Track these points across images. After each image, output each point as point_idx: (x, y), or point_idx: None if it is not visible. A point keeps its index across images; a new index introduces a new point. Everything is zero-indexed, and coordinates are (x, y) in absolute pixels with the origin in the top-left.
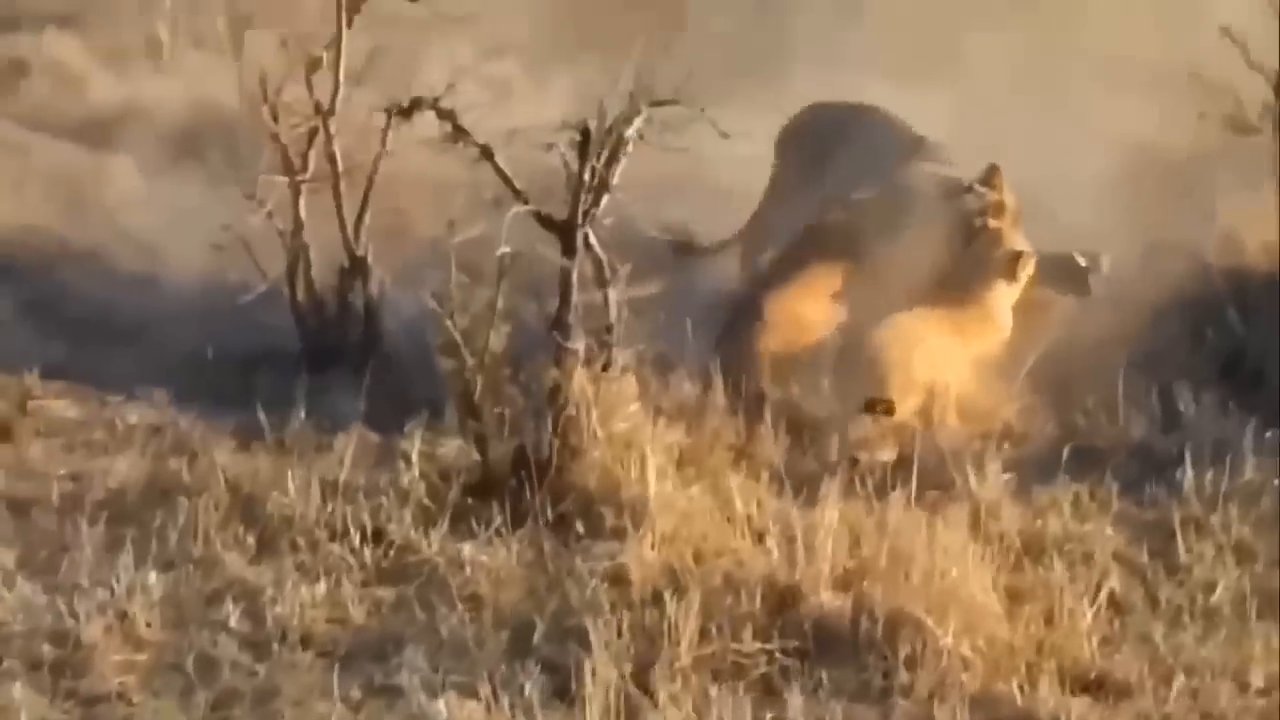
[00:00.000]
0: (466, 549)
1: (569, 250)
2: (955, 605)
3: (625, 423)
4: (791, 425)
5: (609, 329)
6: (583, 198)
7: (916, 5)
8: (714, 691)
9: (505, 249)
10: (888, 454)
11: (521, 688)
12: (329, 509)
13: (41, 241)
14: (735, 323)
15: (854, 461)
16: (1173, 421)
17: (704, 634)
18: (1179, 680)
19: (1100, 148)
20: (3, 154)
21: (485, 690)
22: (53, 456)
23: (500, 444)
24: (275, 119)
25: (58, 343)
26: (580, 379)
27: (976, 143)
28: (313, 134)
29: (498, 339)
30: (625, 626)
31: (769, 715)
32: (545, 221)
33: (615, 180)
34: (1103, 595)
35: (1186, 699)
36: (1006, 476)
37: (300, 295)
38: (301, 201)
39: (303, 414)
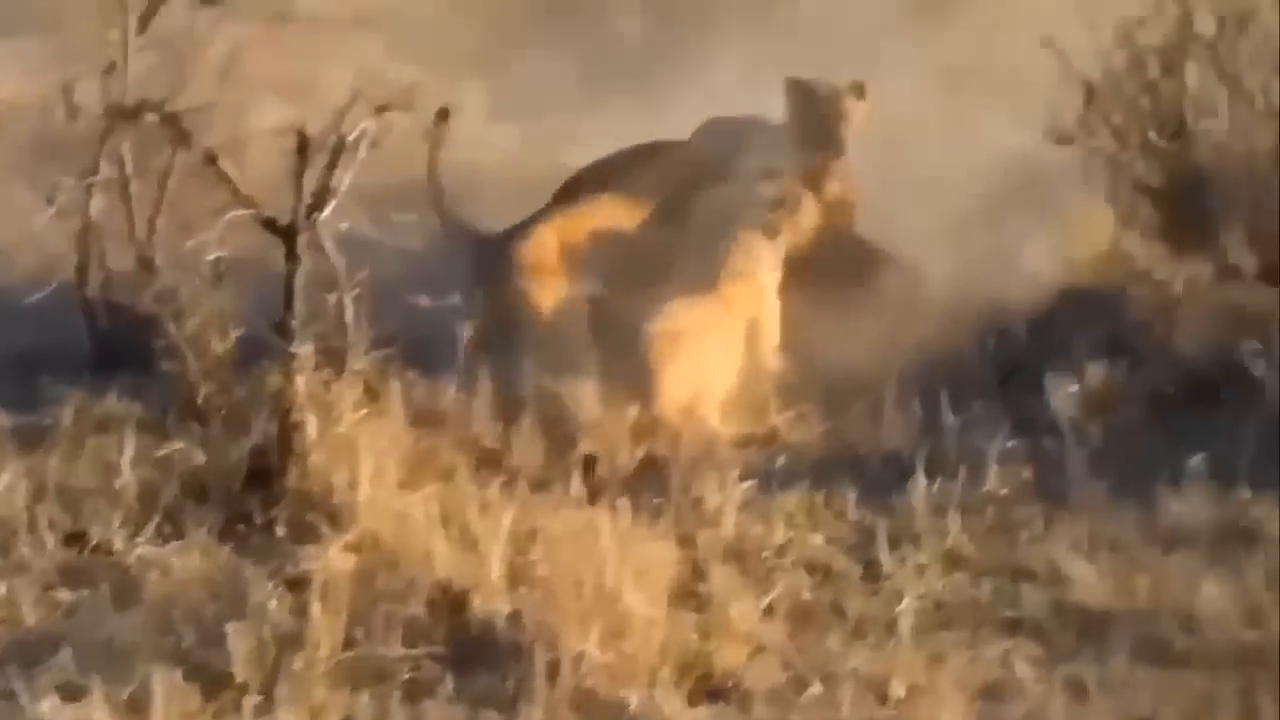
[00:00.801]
0: (161, 552)
1: (291, 255)
2: (610, 614)
3: (347, 428)
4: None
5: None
6: (302, 202)
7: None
8: (342, 697)
9: (220, 253)
10: (632, 456)
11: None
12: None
13: None
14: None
15: (589, 464)
16: (933, 431)
17: (349, 640)
18: (814, 689)
19: (956, 152)
20: None
21: (126, 693)
22: None
23: (227, 448)
24: (75, 118)
25: None
26: (303, 383)
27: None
28: (105, 134)
29: (221, 343)
30: (268, 632)
31: None
32: (269, 226)
33: (343, 185)
34: (772, 603)
35: (816, 708)
36: (746, 484)
37: (92, 294)
38: (92, 202)
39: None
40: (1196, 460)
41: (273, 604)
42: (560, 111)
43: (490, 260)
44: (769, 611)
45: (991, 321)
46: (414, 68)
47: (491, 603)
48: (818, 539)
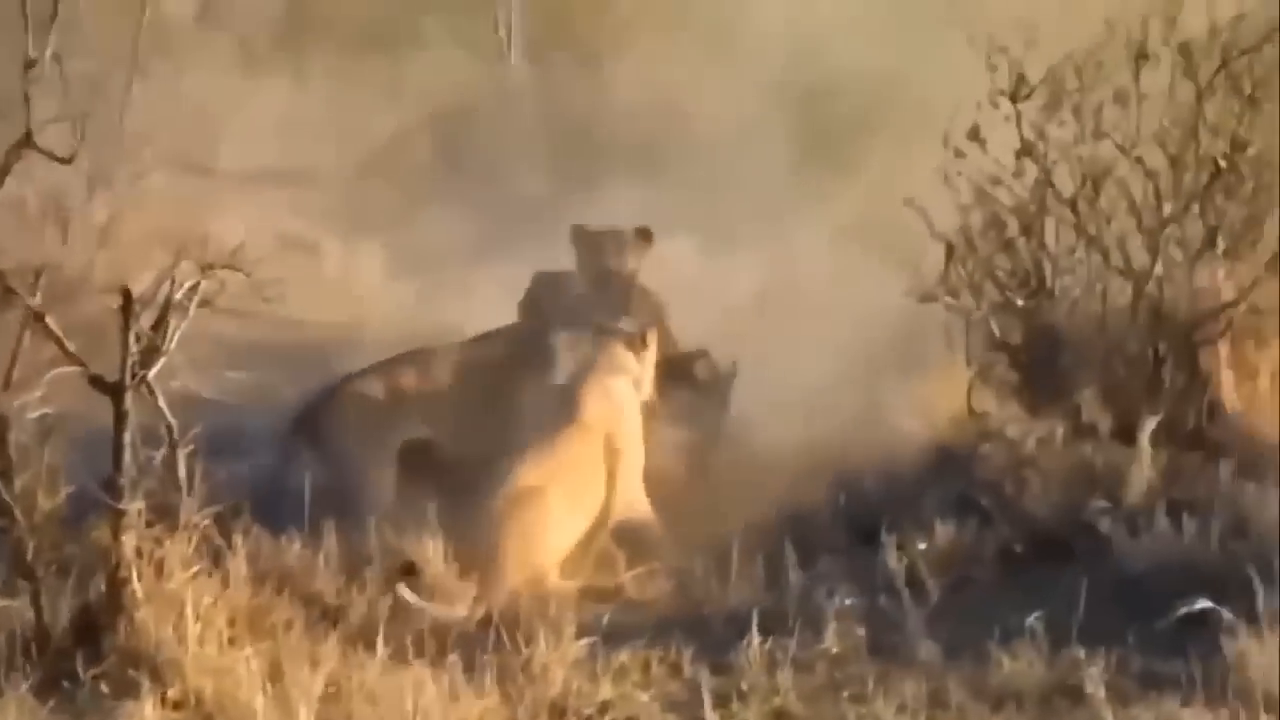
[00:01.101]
0: None
1: (119, 413)
2: None
3: (177, 585)
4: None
5: (180, 490)
6: (129, 360)
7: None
8: None
9: (46, 409)
10: (461, 611)
11: None
12: None
13: None
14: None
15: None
16: (777, 587)
17: None
18: None
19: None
20: None
21: None
22: None
23: (58, 604)
24: None
25: None
26: (131, 540)
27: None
28: None
29: (48, 500)
30: None
31: None
32: (96, 383)
33: (171, 344)
34: None
35: None
36: (584, 641)
37: None
38: None
39: None
40: (1032, 619)
41: None
42: (455, 267)
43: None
44: None
45: (846, 477)
46: (313, 223)
47: None
48: (643, 697)
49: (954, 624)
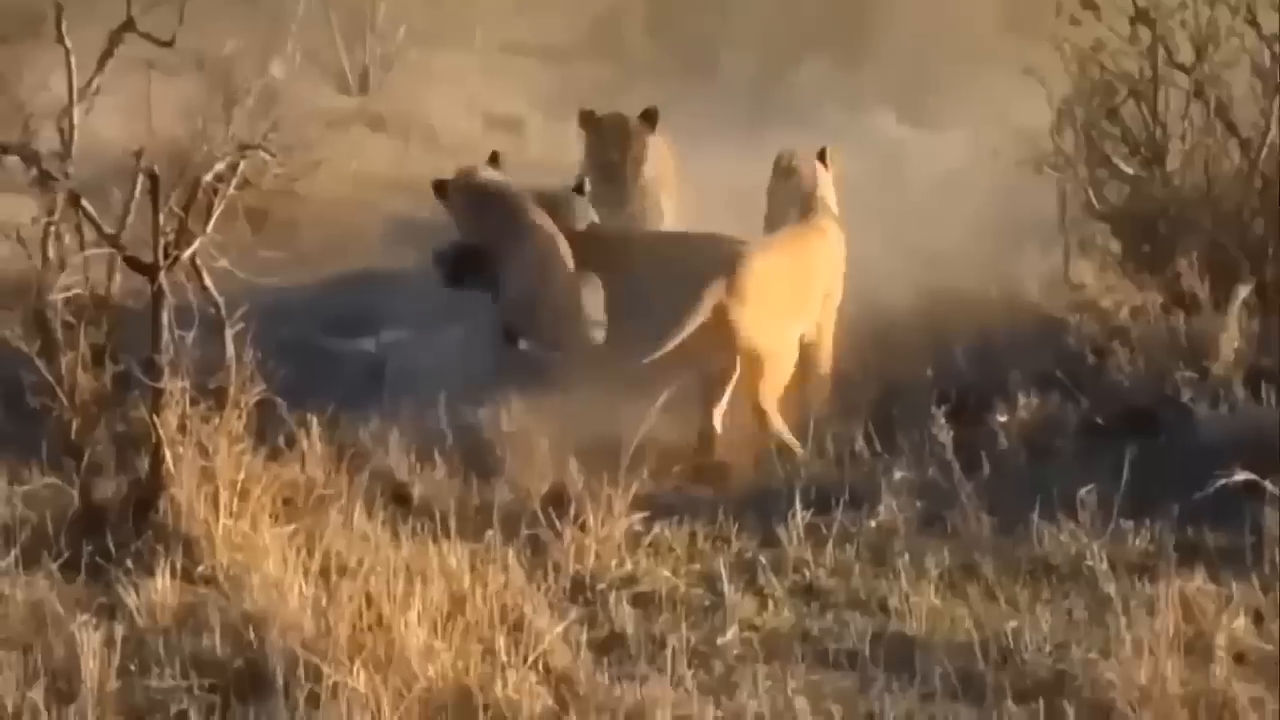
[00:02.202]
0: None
1: (156, 292)
2: (385, 648)
3: (218, 462)
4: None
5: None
6: (159, 241)
7: None
8: None
9: (75, 290)
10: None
11: None
12: None
13: None
14: None
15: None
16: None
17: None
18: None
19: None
20: None
21: None
22: None
23: (103, 483)
24: None
25: None
26: (172, 419)
27: None
28: None
29: (90, 380)
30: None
31: None
32: (132, 264)
33: (210, 224)
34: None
35: None
36: (637, 515)
37: None
38: None
39: None
40: (1084, 492)
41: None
42: None
43: None
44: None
45: (939, 349)
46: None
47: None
48: (664, 571)
49: (1023, 496)
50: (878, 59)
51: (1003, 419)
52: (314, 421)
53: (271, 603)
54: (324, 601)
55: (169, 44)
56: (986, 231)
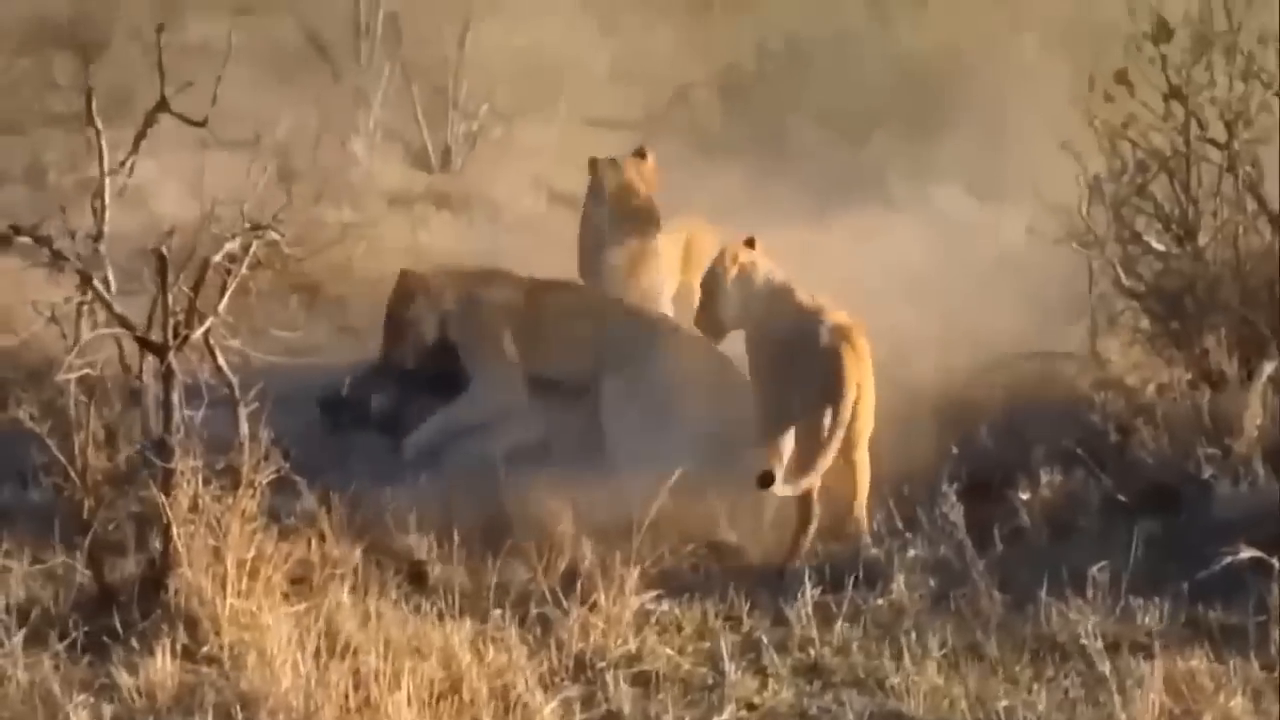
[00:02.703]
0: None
1: (166, 372)
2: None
3: (231, 542)
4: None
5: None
6: (168, 321)
7: None
8: None
9: (85, 370)
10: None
11: None
12: None
13: None
14: None
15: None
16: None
17: None
18: None
19: None
20: None
21: None
22: None
23: (118, 562)
24: None
25: None
26: (184, 499)
27: None
28: None
29: (100, 460)
30: None
31: None
32: (144, 344)
33: (223, 304)
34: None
35: None
36: (649, 594)
37: None
38: None
39: None
40: (1095, 570)
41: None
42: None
43: None
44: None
45: (964, 428)
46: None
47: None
48: (667, 650)
49: (1036, 573)
50: (947, 131)
51: (1025, 496)
52: (335, 499)
53: (265, 682)
54: (313, 682)
55: (202, 124)
56: (1029, 307)
